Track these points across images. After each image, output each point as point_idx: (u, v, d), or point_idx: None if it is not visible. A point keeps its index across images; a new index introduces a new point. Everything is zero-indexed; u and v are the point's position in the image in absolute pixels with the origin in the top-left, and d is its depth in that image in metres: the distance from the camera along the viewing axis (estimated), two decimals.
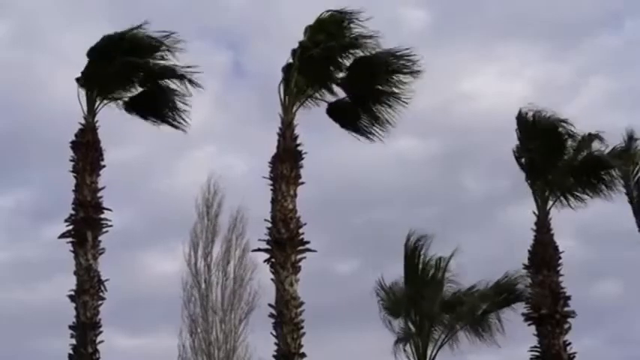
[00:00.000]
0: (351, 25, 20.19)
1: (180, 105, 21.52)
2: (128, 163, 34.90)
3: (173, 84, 21.30)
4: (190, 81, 20.99)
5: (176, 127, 21.74)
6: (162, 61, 21.04)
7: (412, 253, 21.79)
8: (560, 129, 21.49)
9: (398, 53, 20.15)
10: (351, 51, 20.39)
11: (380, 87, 20.64)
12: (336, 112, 21.05)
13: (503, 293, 21.39)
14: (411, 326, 21.08)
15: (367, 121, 21.03)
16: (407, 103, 20.49)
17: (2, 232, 41.55)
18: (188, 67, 20.84)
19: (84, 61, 20.73)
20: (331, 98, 20.98)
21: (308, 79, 20.40)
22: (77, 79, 20.86)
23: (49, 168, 32.76)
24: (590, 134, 21.53)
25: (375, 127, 20.99)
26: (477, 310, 21.36)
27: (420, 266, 21.90)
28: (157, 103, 21.64)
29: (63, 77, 20.73)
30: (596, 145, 21.66)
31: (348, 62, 20.45)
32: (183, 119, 21.62)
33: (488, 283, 21.54)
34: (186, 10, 41.43)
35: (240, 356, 31.33)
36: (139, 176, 38.52)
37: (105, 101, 21.04)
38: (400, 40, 19.97)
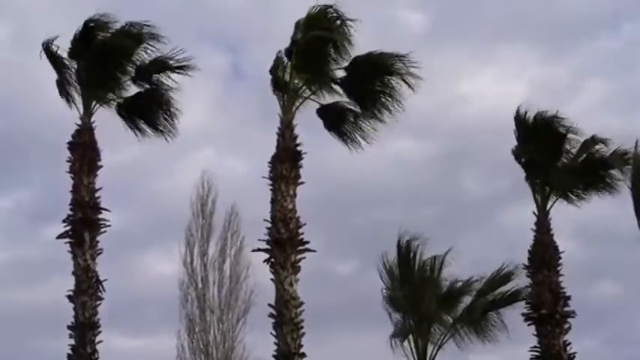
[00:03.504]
0: (337, 18, 20.04)
1: (170, 110, 21.37)
2: (128, 165, 34.92)
3: (166, 79, 21.25)
4: (186, 68, 20.84)
5: (162, 134, 21.59)
6: (150, 52, 20.98)
7: (406, 254, 21.70)
8: (560, 127, 21.46)
9: (397, 56, 20.11)
10: (344, 43, 20.21)
11: (378, 86, 20.59)
12: (325, 113, 20.99)
13: (498, 288, 21.35)
14: (411, 323, 21.04)
15: (352, 126, 20.95)
16: (403, 106, 20.51)
17: (2, 233, 41.62)
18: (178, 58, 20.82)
19: None
20: (330, 98, 20.96)
21: (305, 77, 20.35)
22: (57, 82, 20.86)
23: (48, 169, 32.74)
24: (592, 137, 21.47)
25: (360, 133, 20.90)
26: (476, 309, 21.32)
27: (416, 267, 21.81)
28: (146, 110, 21.42)
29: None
30: (597, 147, 21.62)
31: (344, 56, 20.36)
32: (171, 125, 21.45)
33: (482, 278, 21.49)
34: (186, 12, 41.46)
35: (239, 356, 31.29)
36: (138, 178, 38.57)
37: (98, 103, 21.02)
38: (399, 42, 19.99)
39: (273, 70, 20.36)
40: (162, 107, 21.37)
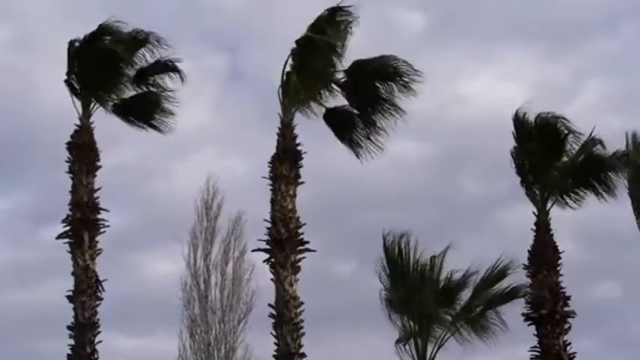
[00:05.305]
0: (346, 23, 20.10)
1: (167, 107, 21.52)
2: (128, 165, 34.98)
3: (163, 81, 21.34)
4: (177, 71, 21.01)
5: (160, 131, 21.72)
6: (149, 55, 21.17)
7: (395, 255, 21.60)
8: (559, 126, 21.41)
9: (397, 62, 20.10)
10: (341, 46, 20.23)
11: (378, 91, 20.57)
12: (332, 119, 20.95)
13: (495, 284, 21.31)
14: (412, 324, 21.01)
15: (362, 133, 20.86)
16: (404, 112, 20.49)
17: (1, 234, 41.70)
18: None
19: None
20: (330, 100, 20.94)
21: (307, 80, 20.33)
22: (65, 81, 20.92)
23: (47, 170, 32.77)
24: (592, 138, 21.43)
25: (368, 140, 20.85)
26: (474, 306, 21.30)
27: (411, 267, 21.73)
28: (144, 106, 21.58)
29: (62, 80, 20.91)
30: (596, 147, 21.58)
31: (342, 57, 20.37)
32: (167, 123, 21.62)
33: (477, 272, 21.46)
34: (186, 13, 41.56)
35: (240, 356, 31.43)
36: (139, 178, 38.63)
37: (97, 104, 21.09)
38: (398, 42, 20.01)
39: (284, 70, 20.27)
40: (159, 107, 21.49)
